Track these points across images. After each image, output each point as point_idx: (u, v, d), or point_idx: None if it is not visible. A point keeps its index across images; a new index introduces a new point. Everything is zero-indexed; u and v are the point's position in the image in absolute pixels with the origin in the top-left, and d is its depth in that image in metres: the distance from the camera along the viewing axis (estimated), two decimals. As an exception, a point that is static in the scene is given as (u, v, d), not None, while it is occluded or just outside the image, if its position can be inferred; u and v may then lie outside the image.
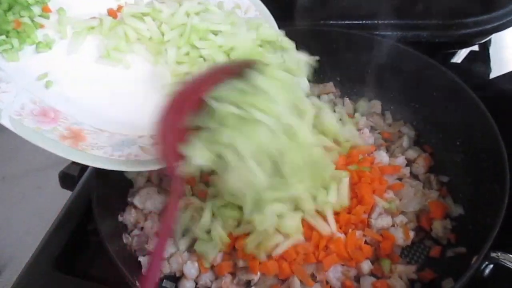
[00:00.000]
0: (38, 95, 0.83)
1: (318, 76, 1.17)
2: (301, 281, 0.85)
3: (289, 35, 1.12)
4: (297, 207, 0.86)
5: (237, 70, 0.81)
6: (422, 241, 0.94)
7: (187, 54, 0.94)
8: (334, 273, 0.87)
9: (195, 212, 0.92)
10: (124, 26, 0.95)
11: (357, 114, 1.09)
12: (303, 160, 0.80)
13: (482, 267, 0.76)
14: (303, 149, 0.79)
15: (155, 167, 0.80)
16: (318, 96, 1.15)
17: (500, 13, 1.10)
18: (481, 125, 0.93)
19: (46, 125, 0.78)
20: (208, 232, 0.89)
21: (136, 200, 0.97)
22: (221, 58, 0.92)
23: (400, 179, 1.01)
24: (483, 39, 1.22)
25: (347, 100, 1.15)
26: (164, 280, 0.92)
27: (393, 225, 0.93)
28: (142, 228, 0.96)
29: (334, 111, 1.07)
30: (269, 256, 0.85)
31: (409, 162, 1.03)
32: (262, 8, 1.03)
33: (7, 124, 0.73)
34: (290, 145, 0.78)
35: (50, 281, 0.96)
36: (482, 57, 1.29)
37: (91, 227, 1.01)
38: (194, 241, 0.91)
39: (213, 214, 0.90)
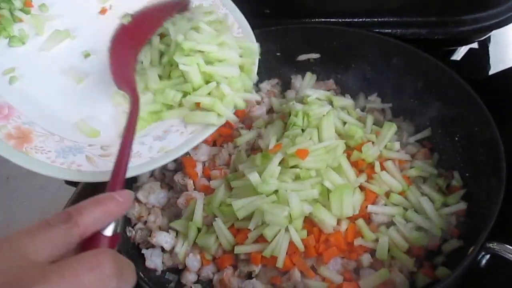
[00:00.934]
0: None
1: (318, 74, 1.18)
2: (301, 273, 0.87)
3: (289, 33, 1.14)
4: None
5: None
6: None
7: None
8: (334, 265, 0.88)
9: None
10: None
11: (357, 110, 1.11)
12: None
13: (479, 258, 0.77)
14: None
15: (94, 179, 0.76)
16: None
17: (499, 10, 1.11)
18: (479, 120, 0.94)
19: None
20: (209, 225, 0.91)
21: (140, 195, 0.99)
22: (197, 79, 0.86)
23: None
24: (482, 36, 1.23)
25: (347, 96, 1.16)
26: (167, 272, 0.94)
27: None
28: (145, 222, 0.97)
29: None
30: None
31: (409, 157, 1.04)
32: (245, 25, 0.98)
33: None
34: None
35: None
36: (482, 54, 1.30)
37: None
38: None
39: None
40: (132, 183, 1.03)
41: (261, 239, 0.87)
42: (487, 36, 1.26)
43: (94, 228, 0.50)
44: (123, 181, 0.61)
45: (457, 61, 1.31)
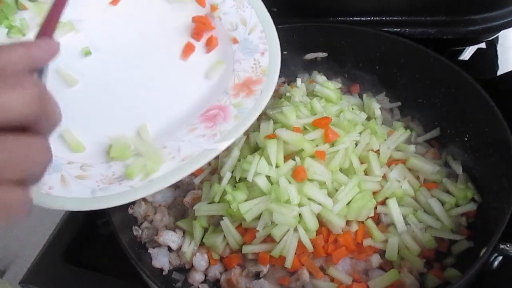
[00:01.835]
0: None
1: (325, 73, 1.18)
2: (310, 273, 0.86)
3: (297, 32, 1.14)
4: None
5: None
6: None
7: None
8: (343, 266, 0.88)
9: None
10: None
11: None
12: None
13: (491, 259, 0.76)
14: None
15: (62, 207, 0.70)
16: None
17: (508, 9, 1.10)
18: (489, 120, 0.93)
19: None
20: (217, 224, 0.90)
21: (146, 193, 0.98)
22: None
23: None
24: (491, 36, 1.22)
25: (355, 96, 1.16)
26: (174, 272, 0.93)
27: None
28: (151, 221, 0.97)
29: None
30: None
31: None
32: (271, 31, 0.90)
33: None
34: None
35: (59, 272, 0.98)
36: (490, 54, 1.29)
37: (100, 221, 1.02)
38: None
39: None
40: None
41: (269, 238, 0.86)
42: (495, 36, 1.25)
43: (13, 67, 0.45)
44: (53, 29, 0.58)
45: (465, 61, 1.30)
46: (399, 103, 1.13)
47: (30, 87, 0.43)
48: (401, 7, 1.12)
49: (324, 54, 1.18)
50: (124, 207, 0.97)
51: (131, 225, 0.95)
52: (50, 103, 0.46)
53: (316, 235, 0.87)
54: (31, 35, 0.86)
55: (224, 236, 0.89)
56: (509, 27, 1.11)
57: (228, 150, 0.95)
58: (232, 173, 0.91)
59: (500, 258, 0.76)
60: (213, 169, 0.98)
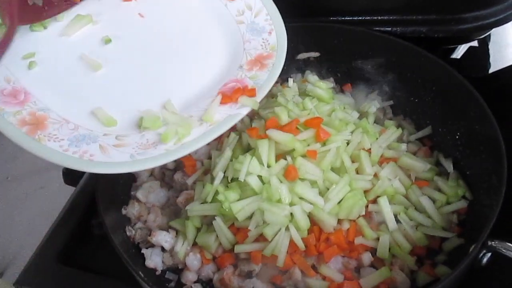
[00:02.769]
0: (16, 74, 0.82)
1: (318, 72, 1.18)
2: (302, 272, 0.86)
3: (289, 32, 1.13)
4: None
5: None
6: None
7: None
8: (335, 264, 0.88)
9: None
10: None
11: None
12: None
13: (480, 256, 0.76)
14: None
15: (106, 170, 0.75)
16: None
17: (499, 8, 1.11)
18: (480, 118, 0.94)
19: (11, 107, 0.77)
20: (209, 224, 0.91)
21: (139, 194, 0.98)
22: None
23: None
24: (482, 34, 1.23)
25: (347, 95, 1.16)
26: (167, 271, 0.93)
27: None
28: (145, 222, 0.97)
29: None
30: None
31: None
32: (274, 13, 0.99)
33: None
34: None
35: (54, 273, 0.98)
36: (482, 53, 1.29)
37: (94, 222, 1.03)
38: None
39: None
40: (131, 182, 1.03)
41: (261, 238, 0.87)
42: (487, 34, 1.26)
43: None
44: None
45: (457, 59, 1.31)
46: (391, 102, 1.13)
47: None
48: (393, 6, 1.13)
49: (317, 54, 1.18)
50: (117, 208, 0.97)
51: (125, 225, 0.96)
52: None
53: (308, 234, 0.87)
54: (51, 28, 0.91)
55: (217, 236, 0.89)
56: (499, 25, 1.11)
57: (221, 150, 0.96)
58: (224, 173, 0.92)
59: (489, 254, 0.76)
60: (206, 169, 0.98)
